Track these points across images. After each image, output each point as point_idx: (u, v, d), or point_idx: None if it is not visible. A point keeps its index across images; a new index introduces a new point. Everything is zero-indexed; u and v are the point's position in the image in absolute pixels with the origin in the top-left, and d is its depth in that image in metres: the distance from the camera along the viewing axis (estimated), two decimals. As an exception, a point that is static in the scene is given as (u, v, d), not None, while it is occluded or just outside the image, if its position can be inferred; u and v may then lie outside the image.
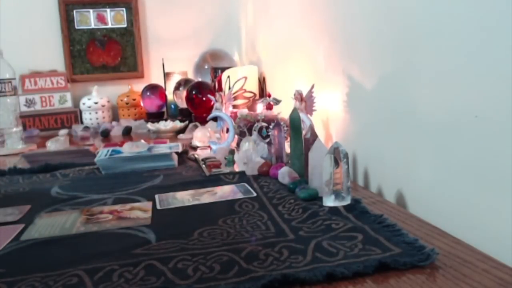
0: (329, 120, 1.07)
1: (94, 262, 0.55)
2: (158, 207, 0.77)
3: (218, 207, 0.76)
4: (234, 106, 1.44)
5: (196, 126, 1.49)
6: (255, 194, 0.81)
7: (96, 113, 1.92)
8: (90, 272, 0.52)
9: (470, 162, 0.61)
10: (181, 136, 1.56)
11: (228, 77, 1.60)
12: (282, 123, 0.95)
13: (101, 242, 0.63)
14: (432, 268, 0.50)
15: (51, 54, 1.99)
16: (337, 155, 0.70)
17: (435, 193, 0.69)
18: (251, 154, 0.98)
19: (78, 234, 0.67)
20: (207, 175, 0.97)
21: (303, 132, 0.87)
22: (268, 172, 0.92)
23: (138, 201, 0.82)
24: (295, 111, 0.87)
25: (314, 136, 0.82)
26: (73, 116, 1.90)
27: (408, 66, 0.75)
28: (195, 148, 1.30)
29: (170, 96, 1.91)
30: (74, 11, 2.00)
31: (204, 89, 1.63)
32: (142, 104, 1.95)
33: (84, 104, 1.91)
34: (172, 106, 1.92)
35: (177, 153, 1.15)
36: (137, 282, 0.49)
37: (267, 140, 1.02)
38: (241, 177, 0.93)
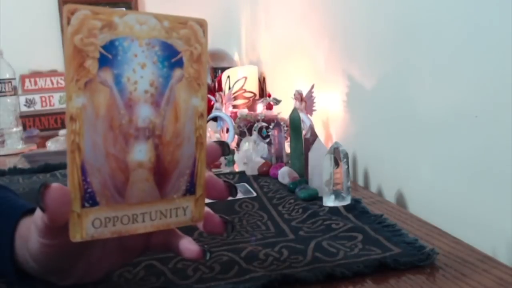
0: (329, 120, 1.07)
1: (94, 262, 0.55)
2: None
3: (218, 207, 0.75)
4: (234, 106, 1.44)
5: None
6: (255, 194, 0.80)
7: (96, 113, 1.92)
8: (90, 272, 0.52)
9: (470, 162, 0.61)
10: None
11: (228, 77, 1.60)
12: (282, 123, 0.95)
13: (101, 242, 0.63)
14: (432, 268, 0.50)
15: (51, 54, 1.99)
16: (337, 155, 0.70)
17: (435, 193, 0.69)
18: (251, 154, 0.98)
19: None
20: (207, 175, 0.96)
21: (303, 132, 0.87)
22: (268, 172, 0.92)
23: (138, 201, 0.81)
24: (295, 111, 0.87)
25: (314, 136, 0.82)
26: (73, 116, 1.90)
27: (408, 66, 0.75)
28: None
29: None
30: (74, 11, 2.00)
31: (204, 89, 1.62)
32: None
33: (84, 104, 1.91)
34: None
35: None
36: (137, 282, 0.49)
37: (267, 140, 1.02)
38: (241, 177, 0.92)
